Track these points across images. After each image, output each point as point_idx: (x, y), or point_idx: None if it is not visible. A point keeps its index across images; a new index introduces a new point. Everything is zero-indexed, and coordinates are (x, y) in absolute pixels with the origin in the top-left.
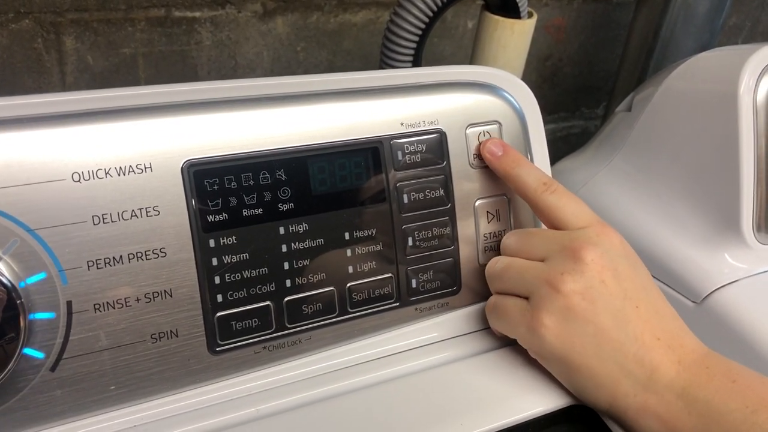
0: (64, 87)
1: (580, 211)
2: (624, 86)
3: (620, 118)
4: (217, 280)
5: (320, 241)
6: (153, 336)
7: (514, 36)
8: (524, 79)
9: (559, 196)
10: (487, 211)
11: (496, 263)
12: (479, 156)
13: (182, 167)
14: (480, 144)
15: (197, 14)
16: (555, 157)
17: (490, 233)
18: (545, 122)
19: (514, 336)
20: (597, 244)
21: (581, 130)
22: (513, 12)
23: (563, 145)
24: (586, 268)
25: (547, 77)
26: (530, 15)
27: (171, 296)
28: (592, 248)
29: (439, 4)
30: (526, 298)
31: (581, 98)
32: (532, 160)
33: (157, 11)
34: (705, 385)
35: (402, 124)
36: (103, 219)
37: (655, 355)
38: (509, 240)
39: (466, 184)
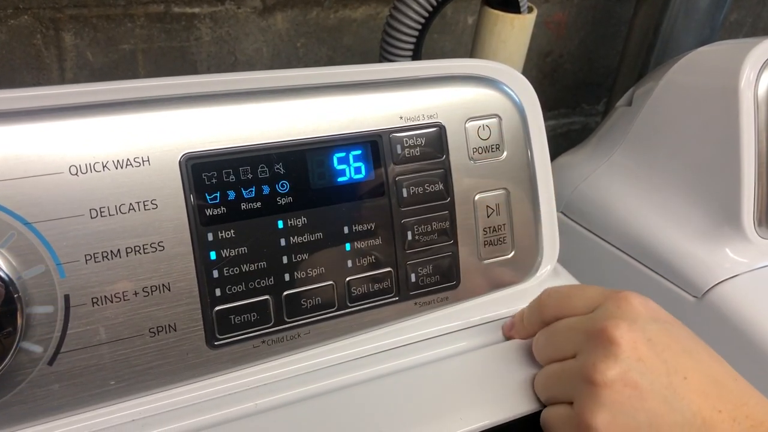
0: (64, 83)
1: (586, 294)
2: (624, 82)
3: (621, 112)
4: (215, 273)
5: (319, 235)
6: (151, 330)
7: (514, 31)
8: (524, 74)
9: (556, 299)
10: (487, 205)
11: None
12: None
13: (180, 161)
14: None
15: (196, 10)
16: (555, 153)
17: (489, 227)
18: (545, 118)
19: None
20: (621, 317)
21: (581, 126)
22: (513, 7)
23: (563, 142)
24: (618, 350)
25: (547, 73)
26: (530, 10)
27: (169, 290)
28: (617, 323)
29: None
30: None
31: (581, 94)
32: (531, 154)
33: (157, 7)
34: None
35: (401, 117)
36: (101, 212)
37: None
38: (539, 344)
39: (466, 178)
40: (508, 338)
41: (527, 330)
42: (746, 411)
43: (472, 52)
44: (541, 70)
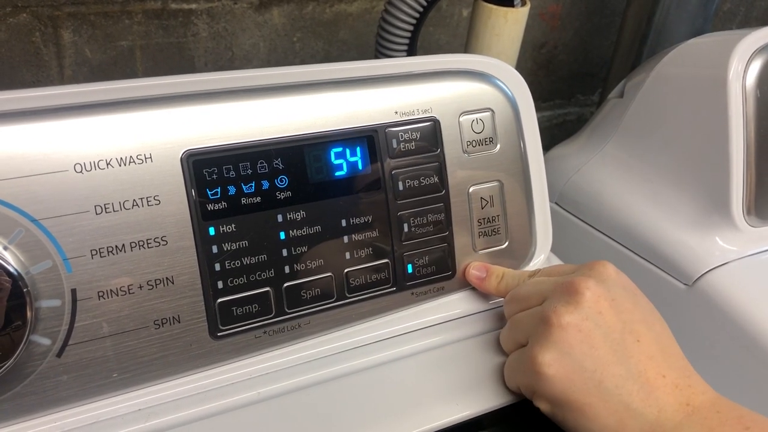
0: (63, 80)
1: (567, 267)
2: (618, 73)
3: (612, 104)
4: (217, 267)
5: (318, 228)
6: (156, 322)
7: (508, 24)
8: (519, 66)
9: (544, 271)
10: (481, 197)
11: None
12: (472, 144)
13: (182, 157)
14: (465, 270)
15: (193, 6)
16: (551, 144)
17: (483, 218)
18: (541, 109)
19: (521, 388)
20: (591, 276)
21: (577, 116)
22: (506, 0)
23: (559, 132)
24: (581, 299)
25: (542, 64)
26: (523, 3)
27: (173, 283)
28: (586, 279)
29: None
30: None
31: (576, 85)
32: (524, 146)
33: (154, 3)
34: (717, 431)
35: (396, 112)
36: (105, 209)
37: (661, 395)
38: (510, 302)
39: (460, 170)
40: (472, 284)
41: (499, 289)
42: (689, 381)
43: (466, 45)
44: (535, 61)
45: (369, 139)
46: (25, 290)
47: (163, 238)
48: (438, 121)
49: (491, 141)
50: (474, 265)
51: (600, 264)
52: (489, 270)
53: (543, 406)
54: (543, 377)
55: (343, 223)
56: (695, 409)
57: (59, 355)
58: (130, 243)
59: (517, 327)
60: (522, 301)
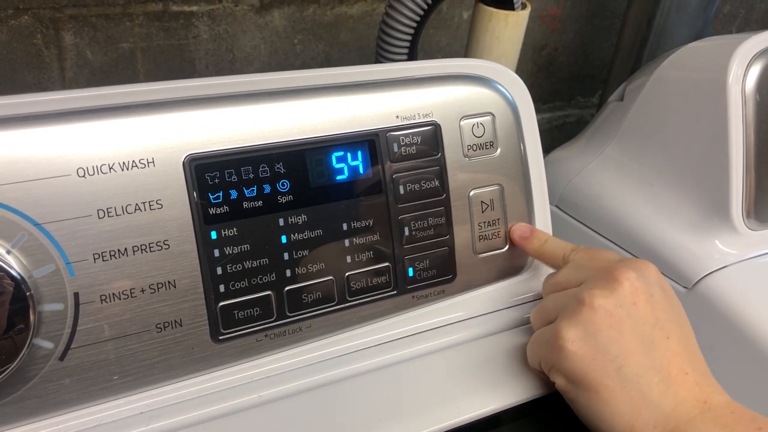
0: (64, 82)
1: (611, 254)
2: (619, 75)
3: (612, 107)
4: (219, 270)
5: (319, 231)
6: (158, 325)
7: (508, 27)
8: (519, 68)
9: (586, 251)
10: (482, 201)
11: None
12: (473, 148)
13: (184, 161)
14: (510, 229)
15: (194, 8)
16: (551, 146)
17: (484, 222)
18: (541, 111)
19: (542, 362)
20: (634, 270)
21: (577, 118)
22: (506, 3)
23: (559, 134)
24: (619, 287)
25: (542, 66)
26: (524, 6)
27: (174, 287)
28: (628, 271)
29: None
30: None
31: (577, 87)
32: (525, 150)
33: (155, 6)
34: (731, 428)
35: (397, 116)
36: (108, 213)
37: (680, 390)
38: (549, 284)
39: (461, 174)
40: (514, 242)
41: (539, 251)
42: (709, 382)
43: (466, 48)
44: (536, 63)
45: (370, 143)
46: (27, 294)
47: (165, 242)
48: (439, 125)
49: (492, 145)
50: (520, 224)
51: (644, 262)
52: (534, 232)
53: (559, 381)
54: (564, 352)
55: (344, 226)
56: (711, 407)
57: (62, 358)
58: (133, 247)
59: (549, 305)
60: (560, 284)
